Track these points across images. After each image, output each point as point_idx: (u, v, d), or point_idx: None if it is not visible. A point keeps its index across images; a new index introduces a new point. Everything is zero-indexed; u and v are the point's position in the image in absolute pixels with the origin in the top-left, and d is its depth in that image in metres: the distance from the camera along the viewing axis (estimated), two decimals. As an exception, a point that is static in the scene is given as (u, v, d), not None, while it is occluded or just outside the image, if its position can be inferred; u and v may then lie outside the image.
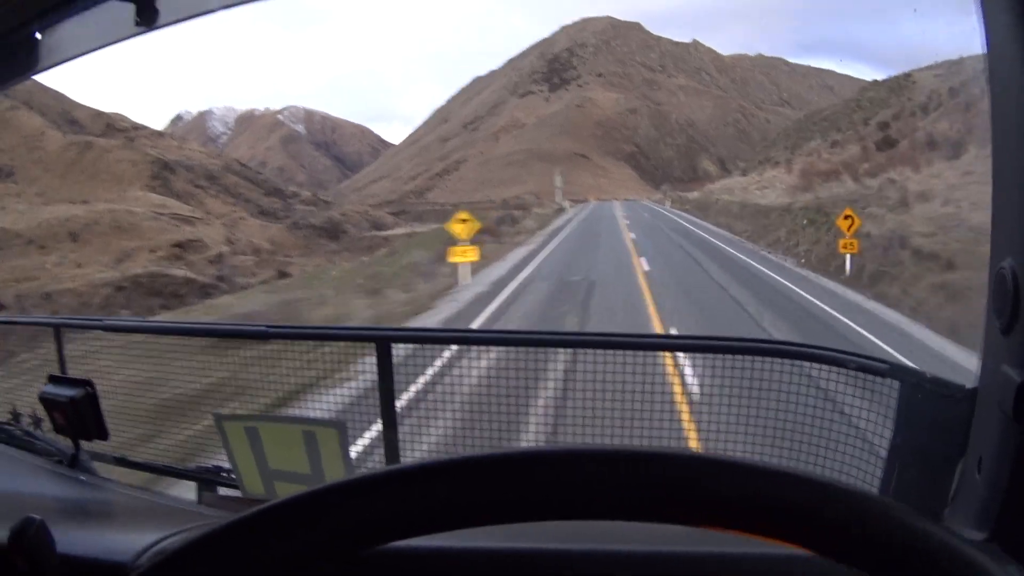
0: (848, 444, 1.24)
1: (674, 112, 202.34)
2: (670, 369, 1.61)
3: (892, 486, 1.10)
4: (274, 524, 0.46)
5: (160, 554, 0.63)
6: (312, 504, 0.46)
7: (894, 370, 1.13)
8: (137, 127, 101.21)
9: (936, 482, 0.96)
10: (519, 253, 22.40)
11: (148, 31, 1.07)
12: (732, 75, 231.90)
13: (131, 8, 1.02)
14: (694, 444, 1.92)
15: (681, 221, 38.39)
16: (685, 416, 1.91)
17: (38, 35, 1.15)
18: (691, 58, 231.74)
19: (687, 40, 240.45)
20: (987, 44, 0.77)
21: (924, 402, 1.03)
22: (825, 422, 1.28)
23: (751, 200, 36.16)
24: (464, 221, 15.92)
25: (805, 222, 22.06)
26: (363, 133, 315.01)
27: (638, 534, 0.87)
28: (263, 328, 1.59)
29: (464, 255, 15.61)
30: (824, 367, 1.24)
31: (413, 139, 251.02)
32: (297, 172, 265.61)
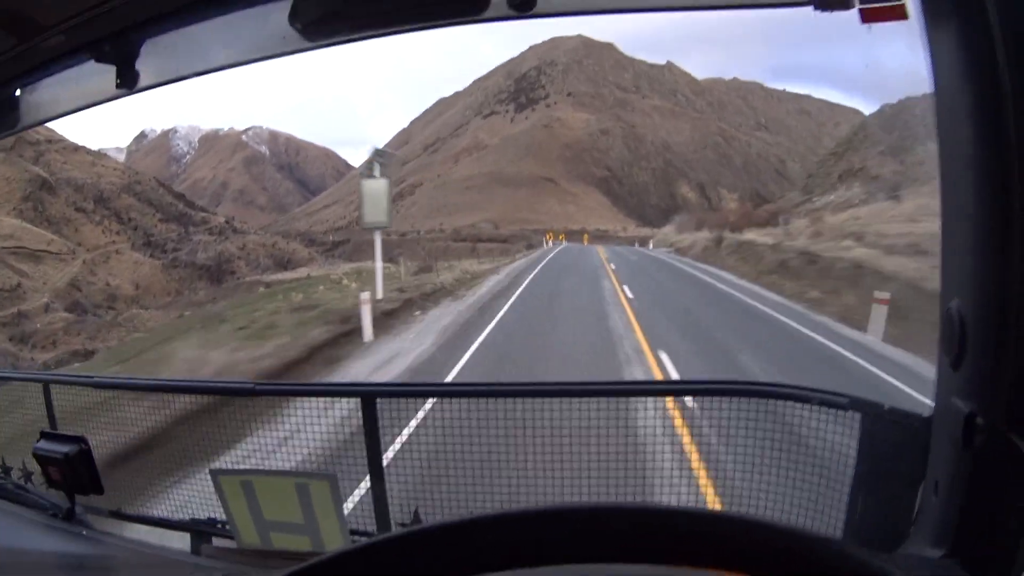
0: (815, 474, 1.34)
1: (649, 134, 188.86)
2: (658, 412, 1.65)
3: (859, 511, 1.16)
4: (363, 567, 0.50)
5: None
6: (391, 550, 0.51)
7: (854, 403, 1.21)
8: (52, 140, 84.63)
9: (899, 505, 1.02)
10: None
11: (128, 94, 1.09)
12: (708, 98, 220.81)
13: (112, 71, 1.04)
14: (672, 484, 2.03)
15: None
16: (664, 458, 1.96)
17: (18, 93, 1.18)
18: (666, 79, 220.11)
19: (661, 62, 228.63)
20: (934, 82, 0.79)
21: (884, 431, 1.10)
22: (792, 455, 1.39)
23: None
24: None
25: None
26: (327, 156, 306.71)
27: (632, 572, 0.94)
28: (251, 385, 1.63)
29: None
30: (789, 403, 1.33)
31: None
32: (258, 194, 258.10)
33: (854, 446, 1.19)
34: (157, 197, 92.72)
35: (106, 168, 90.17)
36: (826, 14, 0.85)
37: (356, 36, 1.02)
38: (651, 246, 53.27)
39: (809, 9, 0.87)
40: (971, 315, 0.80)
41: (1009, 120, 0.72)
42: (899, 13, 0.82)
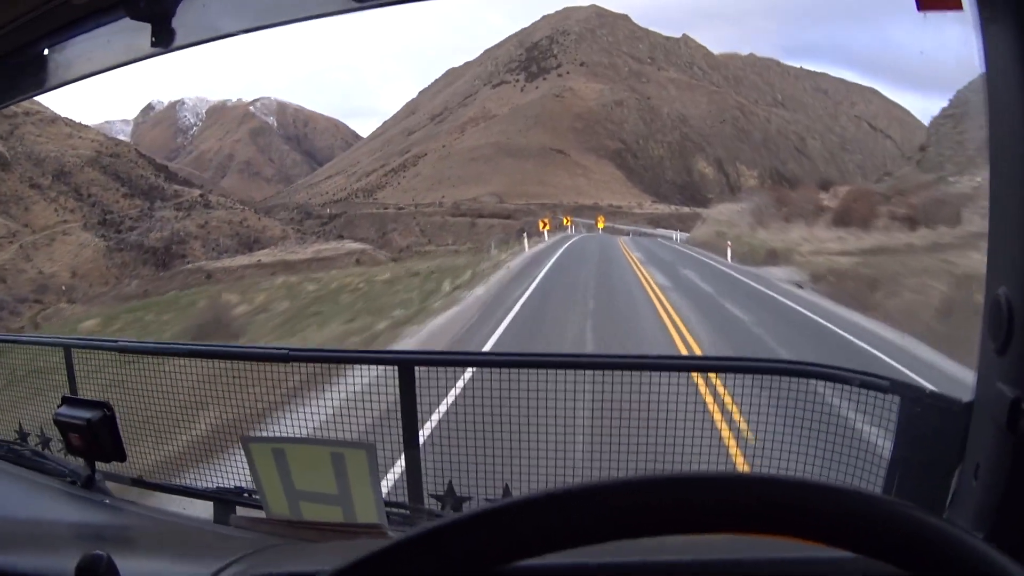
0: (853, 455, 1.35)
1: (665, 106, 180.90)
2: (693, 388, 1.65)
3: (893, 494, 1.16)
4: (427, 548, 0.51)
5: None
6: (457, 531, 0.51)
7: (895, 386, 1.21)
8: (29, 112, 78.63)
9: (934, 488, 1.03)
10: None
11: (163, 52, 1.08)
12: (724, 72, 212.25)
13: (147, 28, 1.02)
14: (722, 456, 1.92)
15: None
16: (710, 431, 1.88)
17: (46, 52, 1.16)
18: (682, 52, 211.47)
19: (676, 35, 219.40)
20: (987, 73, 0.79)
21: (923, 415, 1.11)
22: (832, 435, 1.40)
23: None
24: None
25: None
26: (336, 127, 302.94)
27: (694, 545, 0.93)
28: (285, 351, 1.64)
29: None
30: (830, 384, 1.34)
31: (378, 133, 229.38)
32: (265, 166, 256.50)
33: (892, 429, 1.19)
34: (128, 170, 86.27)
35: (84, 140, 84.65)
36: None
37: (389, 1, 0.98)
38: (729, 256, 27.47)
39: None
40: (1019, 302, 0.79)
41: None
42: (955, 3, 0.82)
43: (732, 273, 21.12)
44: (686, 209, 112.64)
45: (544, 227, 44.81)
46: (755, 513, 0.51)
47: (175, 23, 1.02)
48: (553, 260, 24.20)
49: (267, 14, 1.07)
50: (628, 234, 60.68)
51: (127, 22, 1.01)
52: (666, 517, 0.51)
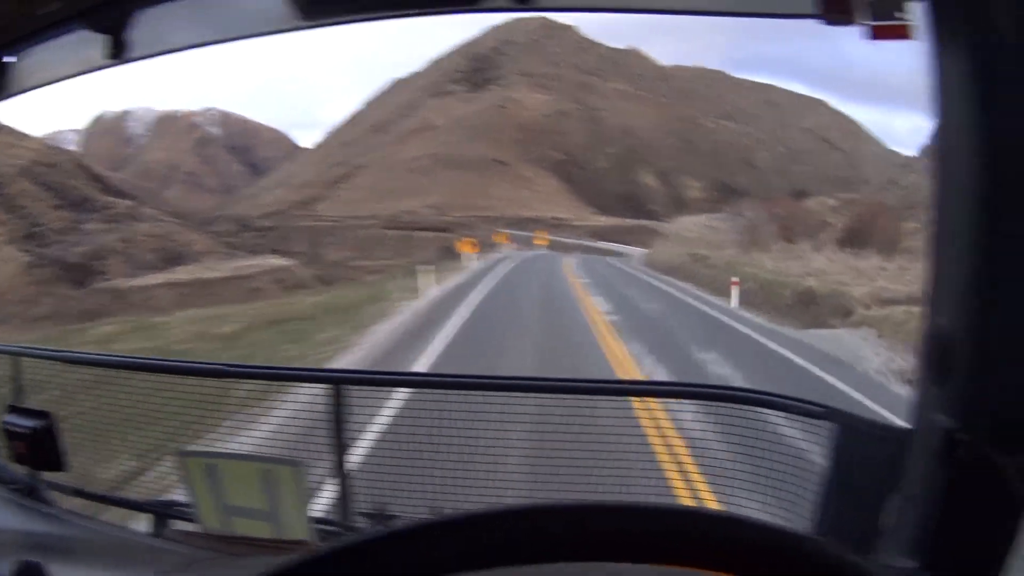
0: (786, 482, 1.35)
1: (610, 118, 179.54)
2: (631, 412, 1.69)
3: (829, 518, 1.17)
4: (332, 567, 0.50)
5: None
6: (367, 550, 0.50)
7: (830, 412, 1.23)
8: None
9: (870, 516, 1.02)
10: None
11: (117, 64, 1.10)
12: (673, 84, 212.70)
13: (102, 41, 1.05)
14: (656, 481, 2.04)
15: None
16: (638, 458, 1.95)
17: (3, 60, 1.18)
18: (630, 64, 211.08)
19: (624, 47, 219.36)
20: (937, 104, 0.80)
21: (857, 442, 1.12)
22: (764, 461, 1.40)
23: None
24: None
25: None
26: (280, 139, 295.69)
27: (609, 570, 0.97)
28: (221, 367, 1.67)
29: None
30: (764, 411, 1.35)
31: (321, 144, 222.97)
32: (208, 177, 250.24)
33: (828, 455, 1.19)
34: (63, 180, 79.41)
35: (25, 150, 77.41)
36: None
37: (356, 17, 1.00)
38: (735, 300, 17.08)
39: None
40: (957, 332, 0.80)
41: (1004, 141, 0.73)
42: (905, 33, 0.85)
43: (797, 361, 10.15)
44: (630, 221, 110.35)
45: (471, 249, 29.77)
46: (637, 542, 0.51)
47: (130, 36, 1.03)
48: (455, 322, 13.07)
49: (219, 30, 1.10)
50: (575, 252, 47.51)
51: (84, 34, 1.03)
52: (559, 544, 0.51)
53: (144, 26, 1.04)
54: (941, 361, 0.82)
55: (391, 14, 1.00)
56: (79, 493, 1.60)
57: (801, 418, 1.27)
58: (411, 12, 0.98)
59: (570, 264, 32.44)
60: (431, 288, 18.39)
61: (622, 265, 34.77)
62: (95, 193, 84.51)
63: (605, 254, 44.40)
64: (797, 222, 28.85)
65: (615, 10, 0.98)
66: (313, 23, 1.00)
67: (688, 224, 38.91)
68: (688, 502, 2.56)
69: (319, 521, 1.40)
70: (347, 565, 0.50)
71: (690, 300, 18.40)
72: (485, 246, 40.71)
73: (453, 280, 21.55)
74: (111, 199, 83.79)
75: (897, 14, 0.84)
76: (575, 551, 0.51)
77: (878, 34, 0.84)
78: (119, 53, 1.04)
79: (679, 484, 2.84)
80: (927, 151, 0.70)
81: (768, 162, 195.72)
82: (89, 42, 1.05)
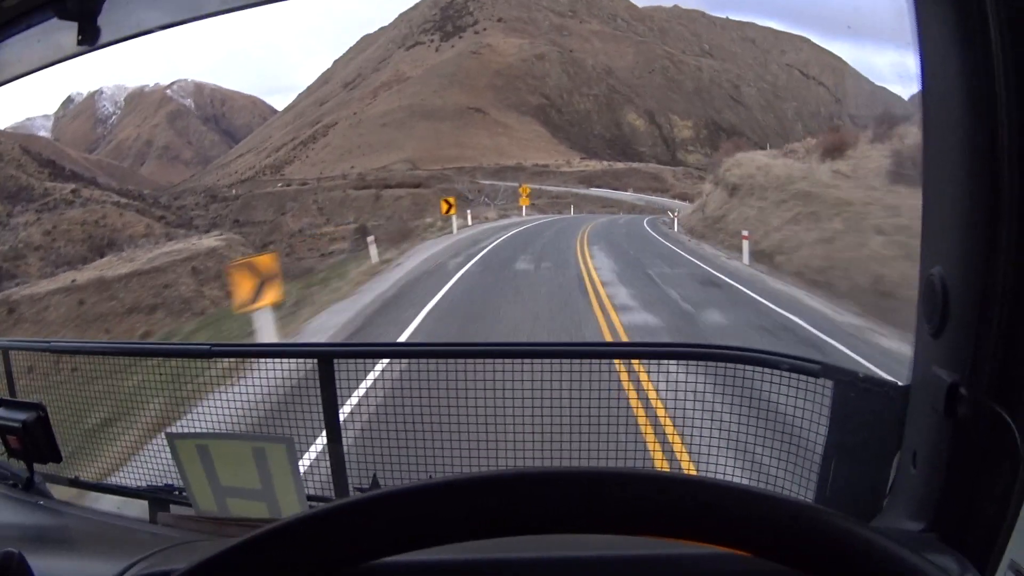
0: (786, 443, 1.30)
1: (589, 59, 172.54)
2: (617, 376, 1.66)
3: (829, 482, 1.13)
4: (278, 544, 0.49)
5: None
6: (314, 524, 0.49)
7: (827, 370, 1.17)
8: None
9: (873, 477, 1.00)
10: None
11: (90, 51, 1.09)
12: (649, 24, 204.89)
13: (73, 27, 1.03)
14: (643, 448, 2.00)
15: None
16: (636, 421, 1.90)
17: None
18: (604, 4, 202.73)
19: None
20: (920, 51, 0.78)
21: (857, 400, 1.07)
22: (761, 422, 1.37)
23: None
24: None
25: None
26: (254, 104, 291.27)
27: (599, 542, 0.90)
28: (207, 347, 1.65)
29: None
30: (759, 369, 1.29)
31: (292, 106, 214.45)
32: (183, 149, 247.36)
33: (826, 414, 1.14)
34: (4, 169, 73.01)
35: None
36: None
37: None
38: None
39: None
40: (954, 283, 0.78)
41: (999, 86, 0.70)
42: None
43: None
44: (620, 164, 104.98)
45: (447, 210, 24.32)
46: (618, 513, 0.49)
47: (102, 21, 1.02)
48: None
49: (192, 7, 1.09)
50: (593, 217, 35.88)
51: (55, 22, 1.02)
52: (537, 513, 0.49)
53: (113, 10, 1.02)
54: (938, 312, 0.79)
55: None
56: (75, 483, 1.60)
57: (794, 375, 1.21)
58: None
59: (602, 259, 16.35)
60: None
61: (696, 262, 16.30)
62: (36, 181, 77.87)
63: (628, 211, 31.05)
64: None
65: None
66: None
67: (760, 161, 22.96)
68: (682, 468, 2.46)
69: (314, 499, 1.39)
70: (310, 535, 0.49)
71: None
72: (465, 201, 35.52)
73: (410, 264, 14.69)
74: (51, 185, 76.93)
75: None
76: (558, 520, 0.50)
77: None
78: (91, 39, 1.03)
79: (670, 447, 2.66)
80: (916, 93, 0.82)
81: (754, 98, 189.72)
82: (57, 30, 1.04)
